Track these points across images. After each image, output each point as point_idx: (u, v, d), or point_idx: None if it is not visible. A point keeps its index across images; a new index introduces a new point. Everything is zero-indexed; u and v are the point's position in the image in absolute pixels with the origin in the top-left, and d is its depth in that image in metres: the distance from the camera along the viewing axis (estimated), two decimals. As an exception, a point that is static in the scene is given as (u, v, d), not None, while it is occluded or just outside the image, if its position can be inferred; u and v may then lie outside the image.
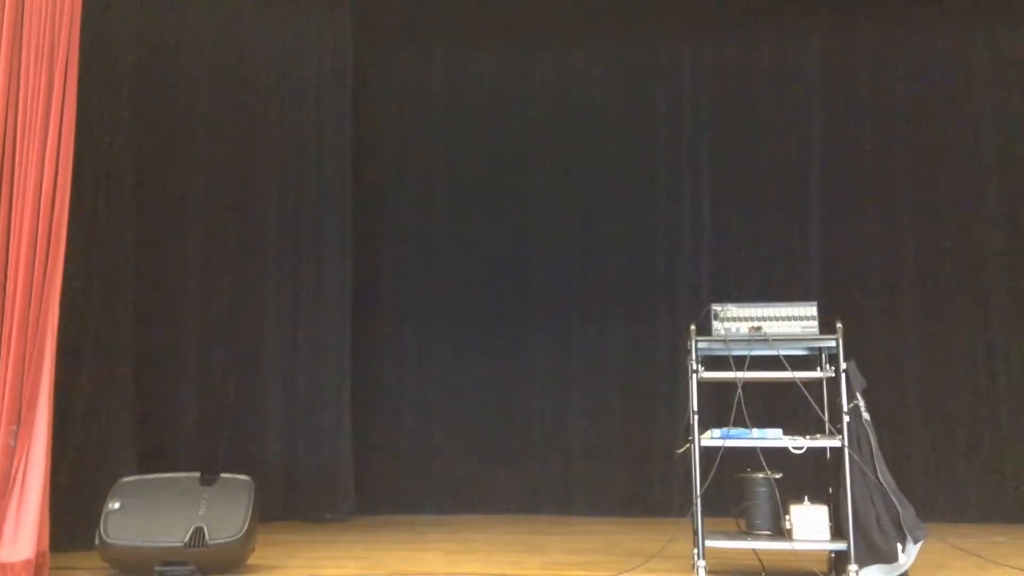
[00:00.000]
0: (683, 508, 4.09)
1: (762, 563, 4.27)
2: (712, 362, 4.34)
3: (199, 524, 4.14)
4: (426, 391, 6.73)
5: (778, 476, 4.23)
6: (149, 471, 4.53)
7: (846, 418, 4.02)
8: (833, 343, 4.10)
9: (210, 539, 4.12)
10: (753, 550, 4.27)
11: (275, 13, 6.41)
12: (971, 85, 6.55)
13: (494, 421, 6.65)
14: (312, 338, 6.26)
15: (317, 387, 6.23)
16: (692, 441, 4.17)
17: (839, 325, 4.07)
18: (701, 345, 4.26)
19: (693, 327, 4.29)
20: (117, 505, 4.19)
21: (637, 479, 6.41)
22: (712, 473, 4.12)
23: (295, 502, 6.03)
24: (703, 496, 4.09)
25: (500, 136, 6.87)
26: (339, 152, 6.40)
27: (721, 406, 4.72)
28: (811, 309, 4.22)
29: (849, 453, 4.01)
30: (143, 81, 5.57)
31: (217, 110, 6.24)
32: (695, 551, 4.05)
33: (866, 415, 4.09)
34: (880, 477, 4.04)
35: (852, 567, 3.91)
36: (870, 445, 4.07)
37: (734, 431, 4.19)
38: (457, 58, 6.98)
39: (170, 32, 6.05)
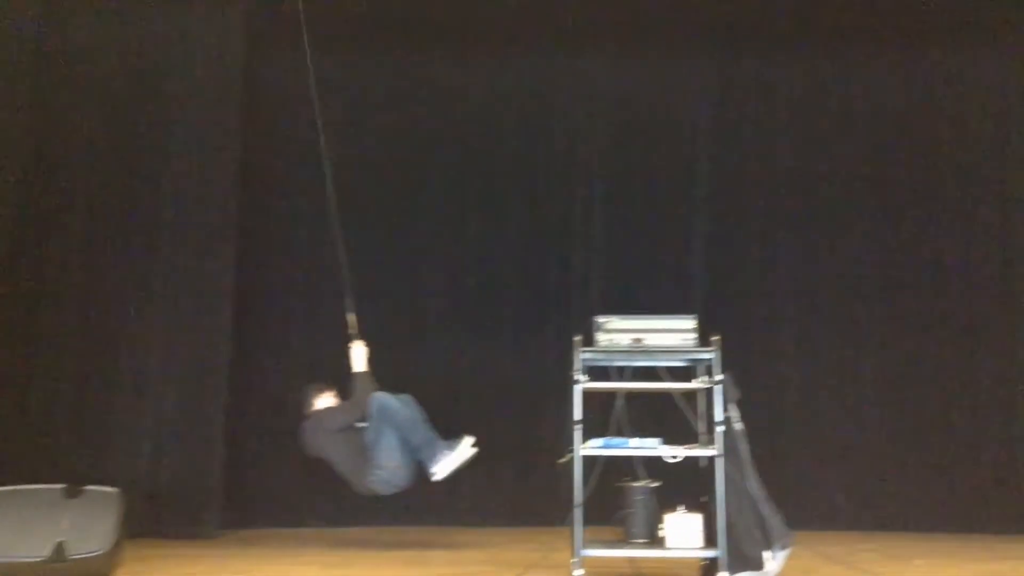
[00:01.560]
0: (567, 517, 4.18)
1: (638, 570, 4.39)
2: (597, 373, 4.46)
3: (61, 538, 4.01)
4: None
5: (656, 485, 4.38)
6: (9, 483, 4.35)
7: (720, 428, 4.19)
8: (710, 355, 4.26)
9: (73, 554, 3.99)
10: (628, 558, 4.39)
11: (166, 10, 6.34)
12: (850, 113, 6.91)
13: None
14: (189, 346, 6.11)
15: (191, 397, 6.06)
16: (573, 450, 4.26)
17: (715, 338, 4.24)
18: (585, 356, 4.37)
19: (578, 338, 4.39)
20: (-27, 519, 4.02)
21: (523, 489, 6.49)
22: (592, 482, 4.23)
23: (164, 517, 5.85)
24: (585, 505, 4.18)
25: (392, 142, 6.90)
26: (225, 156, 6.32)
27: (609, 416, 4.88)
28: (690, 322, 4.37)
29: (722, 462, 4.17)
30: (33, 79, 5.42)
31: (102, 109, 6.18)
32: (573, 560, 4.14)
33: (739, 425, 4.26)
34: (750, 486, 4.21)
35: (722, 574, 4.06)
36: (743, 454, 4.24)
37: (614, 441, 4.32)
38: (350, 61, 6.95)
39: (58, 29, 6.03)
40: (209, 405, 6.08)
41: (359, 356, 4.84)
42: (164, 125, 6.29)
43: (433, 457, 4.97)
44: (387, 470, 4.70)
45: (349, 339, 5.10)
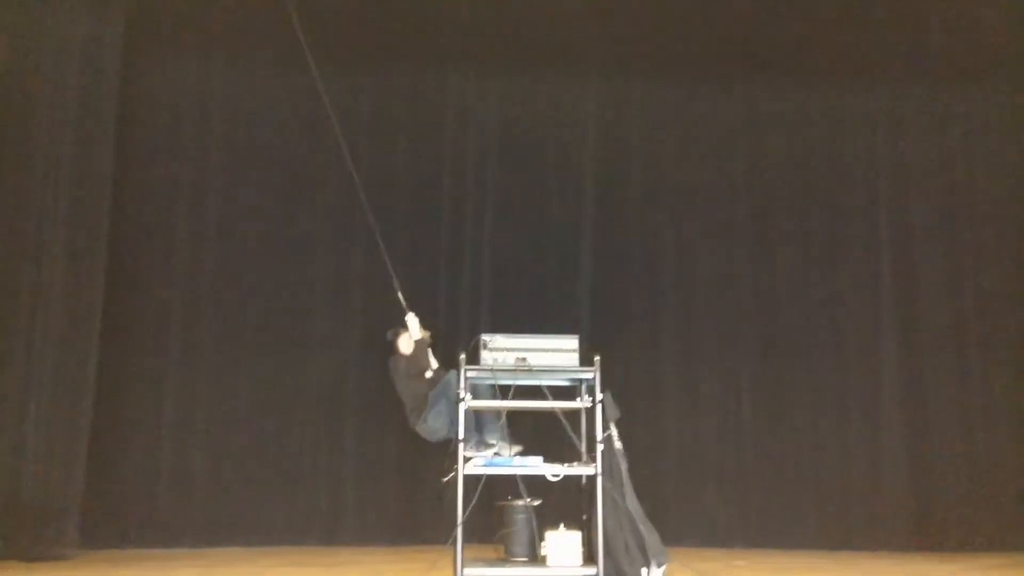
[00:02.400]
0: (450, 536, 4.18)
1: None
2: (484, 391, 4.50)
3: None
4: (187, 416, 6.46)
5: (536, 503, 4.44)
6: None
7: (600, 447, 4.27)
8: (591, 374, 4.34)
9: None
10: (510, 576, 4.42)
11: (45, 10, 6.12)
12: (731, 134, 7.17)
13: (261, 448, 6.49)
14: (51, 353, 5.83)
15: (52, 406, 5.78)
16: (456, 468, 4.27)
17: (596, 358, 4.33)
18: (470, 374, 4.40)
19: (463, 356, 4.41)
20: None
21: (408, 507, 6.45)
22: (474, 500, 4.24)
23: (22, 538, 5.55)
24: (467, 523, 4.19)
25: (278, 146, 6.82)
26: (97, 166, 6.10)
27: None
28: (573, 342, 4.45)
29: (600, 481, 4.24)
30: None
31: None
32: (454, 578, 4.15)
33: (618, 444, 4.35)
34: (629, 503, 4.31)
35: (601, 590, 4.14)
36: (621, 473, 4.34)
37: (497, 459, 4.36)
38: (233, 67, 6.83)
39: None
40: (73, 422, 5.82)
41: (414, 325, 5.01)
42: (37, 127, 6.05)
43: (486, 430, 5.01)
44: (430, 428, 4.72)
45: (404, 313, 5.07)
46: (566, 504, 4.49)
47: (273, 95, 6.84)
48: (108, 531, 6.05)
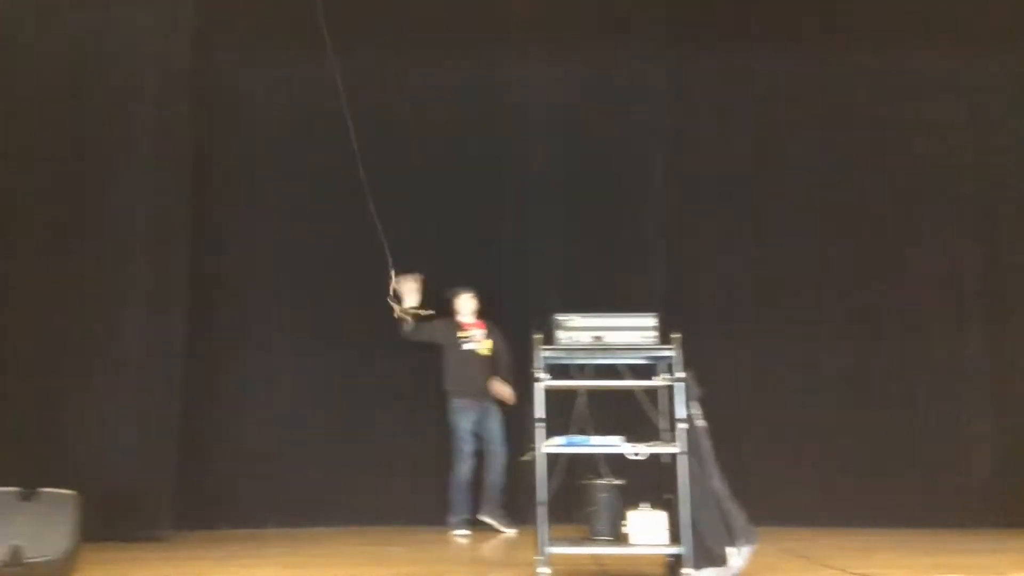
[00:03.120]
0: (529, 516, 4.20)
1: (603, 568, 4.42)
2: (558, 371, 4.47)
3: (17, 542, 3.96)
4: (269, 400, 6.61)
5: (620, 482, 4.41)
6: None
7: (682, 425, 4.22)
8: (671, 353, 4.29)
9: (29, 558, 3.94)
10: (594, 555, 4.42)
11: (118, 11, 6.26)
12: (808, 108, 6.99)
13: (341, 431, 6.61)
14: (142, 348, 6.00)
15: (144, 395, 5.96)
16: (536, 448, 4.27)
17: (676, 335, 4.27)
18: (545, 354, 4.37)
19: (538, 336, 4.40)
20: (-76, 523, 3.95)
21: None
22: (555, 480, 4.25)
23: (120, 519, 5.73)
24: (548, 503, 4.19)
25: (347, 140, 6.82)
26: (177, 153, 6.24)
27: (570, 414, 4.89)
28: (651, 320, 4.40)
29: (685, 459, 4.20)
30: None
31: (53, 104, 6.13)
32: (538, 557, 4.15)
33: (701, 422, 4.31)
34: (714, 482, 4.26)
35: (687, 570, 4.10)
36: (705, 451, 4.29)
37: (576, 438, 4.33)
38: (308, 62, 6.88)
39: (12, 24, 6.03)
40: (164, 407, 6.00)
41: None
42: (111, 123, 6.19)
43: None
44: None
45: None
46: (648, 484, 4.45)
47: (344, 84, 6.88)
48: (200, 513, 6.21)
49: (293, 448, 6.55)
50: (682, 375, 4.26)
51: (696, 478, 4.23)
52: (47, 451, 5.77)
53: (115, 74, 6.22)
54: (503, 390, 6.34)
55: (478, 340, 6.42)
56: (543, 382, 4.32)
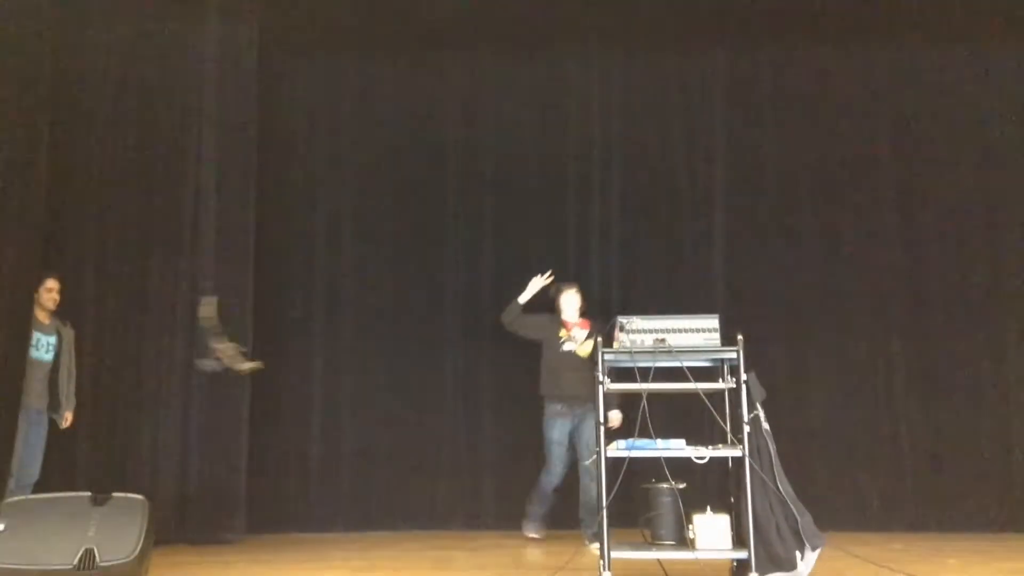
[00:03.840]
0: (595, 520, 4.17)
1: (666, 572, 4.37)
2: (619, 374, 4.46)
3: (89, 545, 4.05)
4: (333, 406, 6.66)
5: (682, 486, 4.35)
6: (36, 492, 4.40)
7: (746, 428, 4.17)
8: (734, 355, 4.24)
9: (101, 561, 4.03)
10: (658, 560, 4.37)
11: (180, 23, 6.40)
12: (873, 102, 6.85)
13: (403, 436, 6.63)
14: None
15: (213, 402, 6.07)
16: (599, 452, 4.25)
17: (740, 337, 4.22)
18: (607, 357, 4.37)
19: (599, 339, 4.39)
20: (2, 527, 4.07)
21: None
22: (618, 484, 4.21)
23: (190, 523, 5.90)
24: (610, 507, 4.17)
25: (410, 147, 6.91)
26: (243, 162, 6.34)
27: (629, 418, 4.85)
28: (713, 322, 4.36)
29: (749, 462, 4.15)
30: (56, 86, 5.71)
31: (120, 117, 6.31)
32: (601, 562, 4.12)
33: (766, 425, 4.25)
34: (779, 486, 4.21)
35: (753, 575, 4.04)
36: (770, 455, 4.24)
37: (639, 442, 4.28)
38: (368, 68, 6.98)
39: (75, 39, 6.20)
40: (233, 413, 6.10)
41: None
42: (182, 136, 6.34)
43: None
44: None
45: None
46: (712, 488, 4.40)
47: (400, 90, 6.95)
48: (270, 517, 6.29)
49: (359, 452, 6.60)
50: (745, 377, 4.21)
51: (761, 481, 4.18)
52: (122, 456, 5.96)
53: (184, 89, 6.38)
54: (612, 416, 5.68)
55: (578, 341, 5.90)
56: (605, 385, 4.31)
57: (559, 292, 6.03)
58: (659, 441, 4.28)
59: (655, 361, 4.34)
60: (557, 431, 5.85)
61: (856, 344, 6.65)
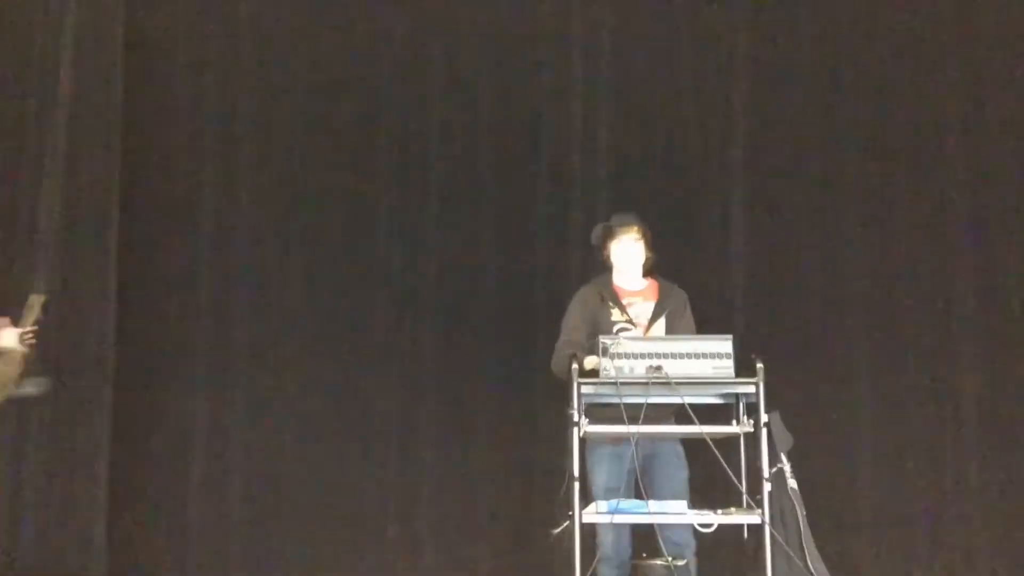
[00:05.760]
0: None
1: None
2: (601, 411, 4.40)
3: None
4: (224, 448, 6.64)
5: (682, 563, 4.33)
6: None
7: (767, 486, 4.13)
8: (752, 388, 4.20)
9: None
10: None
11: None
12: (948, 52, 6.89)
13: (320, 486, 6.59)
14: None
15: (63, 447, 6.10)
16: (571, 516, 4.19)
17: (759, 366, 4.18)
18: (586, 390, 4.30)
19: (576, 366, 4.32)
20: None
21: (506, 564, 6.44)
22: (597, 559, 4.27)
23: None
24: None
25: (329, 95, 6.90)
26: (104, 117, 6.40)
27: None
28: (725, 344, 4.29)
29: (770, 532, 4.11)
30: None
31: None
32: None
33: (792, 482, 4.26)
34: (809, 564, 4.19)
35: None
36: (797, 521, 4.23)
37: (625, 503, 4.26)
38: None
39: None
40: (90, 458, 6.15)
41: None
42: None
43: None
44: None
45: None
46: (722, 565, 4.39)
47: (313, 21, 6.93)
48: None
49: (261, 506, 6.59)
50: (767, 419, 4.18)
51: (785, 556, 4.17)
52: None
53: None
54: None
55: (643, 323, 4.83)
56: (581, 427, 4.25)
57: (609, 235, 4.98)
58: (652, 503, 4.25)
59: (648, 396, 4.24)
60: (607, 471, 4.72)
61: (917, 367, 6.64)
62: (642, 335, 4.71)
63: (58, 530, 6.07)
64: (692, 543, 4.50)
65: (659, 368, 4.27)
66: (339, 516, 6.53)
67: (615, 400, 4.28)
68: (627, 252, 4.88)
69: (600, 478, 4.67)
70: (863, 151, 6.86)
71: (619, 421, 4.21)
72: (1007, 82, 6.86)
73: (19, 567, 5.93)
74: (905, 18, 6.92)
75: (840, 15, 6.95)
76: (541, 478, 6.06)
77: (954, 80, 6.87)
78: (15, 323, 4.82)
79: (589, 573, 4.16)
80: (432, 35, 6.95)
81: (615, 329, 4.73)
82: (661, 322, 4.81)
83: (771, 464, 4.19)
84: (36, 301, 5.02)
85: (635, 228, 4.88)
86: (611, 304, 4.84)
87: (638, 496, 4.52)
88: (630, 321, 4.79)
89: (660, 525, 4.37)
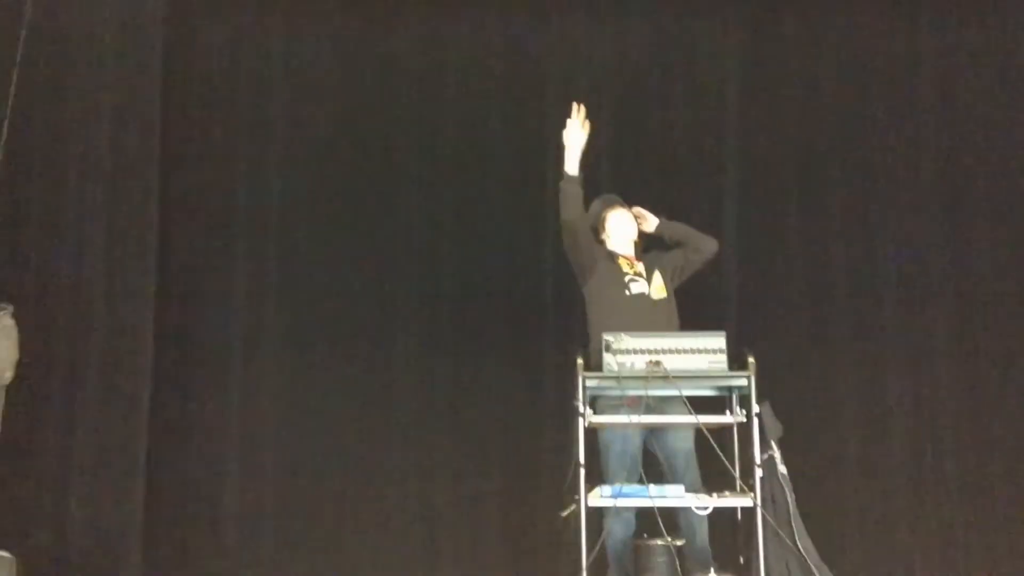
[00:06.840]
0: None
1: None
2: (605, 402, 4.55)
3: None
4: (254, 440, 6.67)
5: (680, 543, 4.45)
6: None
7: (759, 472, 4.26)
8: (744, 381, 4.34)
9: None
10: (650, 635, 4.45)
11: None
12: (924, 76, 6.95)
13: (342, 476, 6.62)
14: (99, 373, 6.21)
15: (104, 437, 6.15)
16: (578, 500, 4.32)
17: (751, 360, 4.31)
18: (590, 383, 4.44)
19: (580, 361, 4.46)
20: None
21: (515, 546, 6.47)
22: (601, 540, 4.32)
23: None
24: (593, 566, 4.26)
25: (355, 120, 6.95)
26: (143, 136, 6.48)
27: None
28: (719, 340, 4.44)
29: (762, 514, 4.23)
30: None
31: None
32: (582, 633, 4.19)
33: (782, 468, 4.35)
34: (798, 542, 4.30)
35: (766, 647, 4.13)
36: (787, 504, 4.33)
37: (627, 488, 4.38)
38: (297, 27, 7.02)
39: None
40: (129, 445, 6.21)
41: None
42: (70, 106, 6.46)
43: None
44: None
45: None
46: (717, 544, 4.47)
47: (340, 51, 7.01)
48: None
49: (286, 496, 6.61)
50: (758, 409, 4.29)
51: (775, 536, 4.27)
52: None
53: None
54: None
55: (649, 279, 4.94)
56: (586, 418, 4.37)
57: (606, 207, 5.19)
58: (652, 487, 4.36)
59: (648, 389, 4.40)
60: (622, 437, 4.67)
61: (899, 364, 6.66)
62: (647, 288, 4.90)
63: (98, 521, 6.11)
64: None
65: (658, 363, 4.42)
66: (367, 508, 6.60)
67: (617, 392, 4.46)
68: (622, 224, 5.12)
69: (615, 444, 4.66)
70: (853, 149, 6.90)
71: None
72: (983, 85, 6.95)
73: (63, 555, 5.99)
74: (886, 26, 7.01)
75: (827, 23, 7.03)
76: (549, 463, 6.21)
77: (935, 80, 6.96)
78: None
79: (595, 550, 4.27)
80: (445, 55, 6.99)
81: (626, 279, 4.92)
82: (657, 274, 4.99)
83: (762, 451, 4.29)
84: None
85: (626, 208, 5.19)
86: (621, 257, 5.06)
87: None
88: (639, 274, 4.97)
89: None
